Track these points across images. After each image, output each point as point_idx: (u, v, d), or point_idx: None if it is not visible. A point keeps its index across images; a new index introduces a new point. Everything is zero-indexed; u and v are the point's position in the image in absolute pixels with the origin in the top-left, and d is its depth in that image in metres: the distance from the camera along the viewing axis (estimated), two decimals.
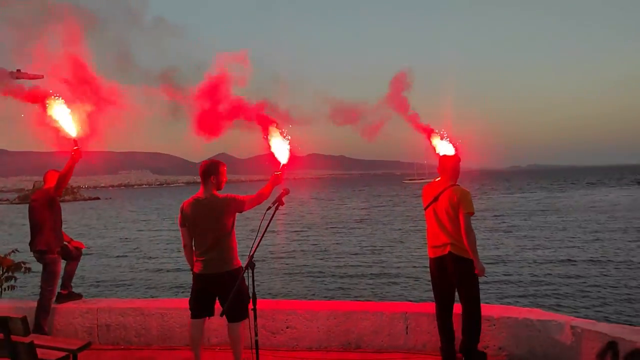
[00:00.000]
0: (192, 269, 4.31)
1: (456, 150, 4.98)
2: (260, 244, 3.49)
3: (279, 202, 3.62)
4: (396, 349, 4.85)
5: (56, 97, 5.08)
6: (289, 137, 4.52)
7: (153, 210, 78.45)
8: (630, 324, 4.53)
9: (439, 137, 5.22)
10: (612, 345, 3.92)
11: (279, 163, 4.50)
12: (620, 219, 36.89)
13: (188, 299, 4.76)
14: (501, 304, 4.90)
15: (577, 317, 4.68)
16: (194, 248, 4.26)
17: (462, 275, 4.34)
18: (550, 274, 19.27)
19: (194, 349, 4.30)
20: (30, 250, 5.50)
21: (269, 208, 3.56)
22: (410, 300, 13.81)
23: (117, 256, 28.86)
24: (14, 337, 3.59)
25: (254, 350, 3.40)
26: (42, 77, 8.52)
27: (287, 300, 5.56)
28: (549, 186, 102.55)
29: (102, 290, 19.99)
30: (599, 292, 16.60)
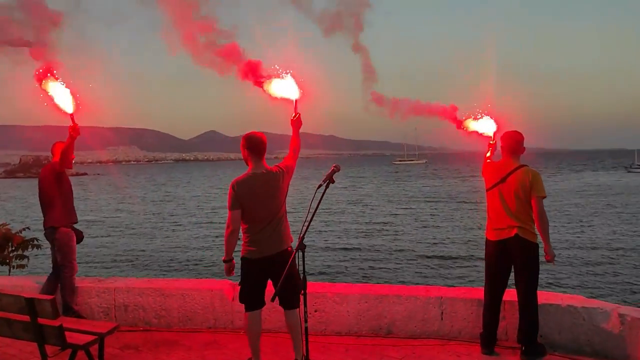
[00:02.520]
0: (227, 256, 3.90)
1: (499, 125, 4.74)
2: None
3: (329, 179, 3.37)
4: (430, 335, 4.68)
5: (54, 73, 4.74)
6: (289, 72, 4.23)
7: (151, 187, 77.95)
8: None
9: (473, 119, 4.90)
10: None
11: (291, 102, 4.25)
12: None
13: (211, 280, 4.51)
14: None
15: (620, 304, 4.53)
16: (245, 231, 3.90)
17: (528, 260, 4.16)
18: (575, 260, 19.27)
19: (255, 344, 3.94)
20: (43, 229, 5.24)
21: (320, 186, 3.31)
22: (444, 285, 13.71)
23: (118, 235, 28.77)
24: (40, 320, 3.35)
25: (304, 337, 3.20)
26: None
27: (317, 283, 5.32)
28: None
29: (113, 269, 19.81)
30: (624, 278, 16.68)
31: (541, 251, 4.22)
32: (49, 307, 3.27)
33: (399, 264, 19.54)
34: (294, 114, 4.23)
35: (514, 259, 4.21)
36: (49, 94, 4.73)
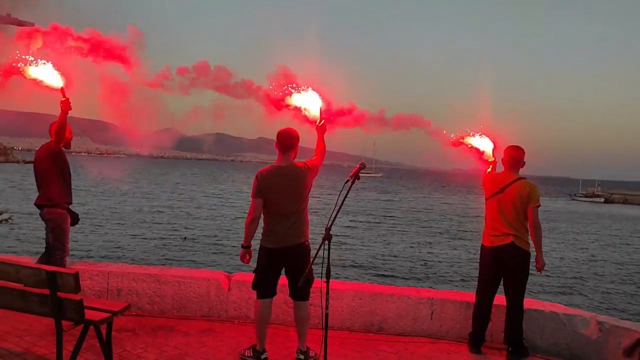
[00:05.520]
0: (246, 242, 4.05)
1: (495, 142, 5.02)
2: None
3: (355, 176, 3.55)
4: (419, 333, 4.90)
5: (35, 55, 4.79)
6: (307, 88, 4.48)
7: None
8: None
9: (471, 137, 5.13)
10: None
11: (315, 113, 4.47)
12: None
13: (207, 270, 4.56)
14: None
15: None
16: (265, 221, 4.06)
17: (520, 267, 4.44)
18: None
19: (262, 331, 4.09)
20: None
21: (347, 181, 3.49)
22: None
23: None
24: (60, 294, 3.36)
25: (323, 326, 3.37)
26: (33, 25, 7.97)
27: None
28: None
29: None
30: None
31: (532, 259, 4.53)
32: (72, 281, 3.29)
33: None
34: (319, 120, 4.42)
35: (506, 265, 4.49)
36: (34, 73, 4.74)
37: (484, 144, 5.05)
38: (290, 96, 4.55)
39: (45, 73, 4.77)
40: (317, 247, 3.37)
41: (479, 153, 5.08)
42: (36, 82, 4.81)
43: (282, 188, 3.97)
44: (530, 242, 4.49)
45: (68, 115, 4.92)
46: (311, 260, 3.56)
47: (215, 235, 27.50)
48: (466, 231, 34.17)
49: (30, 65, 4.76)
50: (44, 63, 4.75)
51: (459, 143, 5.18)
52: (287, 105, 4.61)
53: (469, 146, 5.12)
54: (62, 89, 4.77)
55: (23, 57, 4.72)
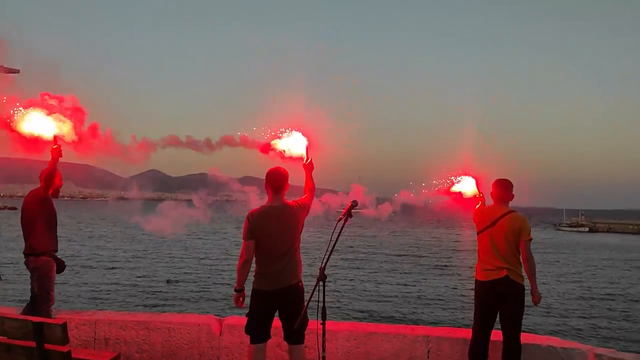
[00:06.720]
0: (239, 286, 3.99)
1: (478, 181, 5.08)
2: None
3: (348, 214, 3.54)
4: None
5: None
6: (289, 131, 4.55)
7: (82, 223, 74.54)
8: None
9: (457, 183, 5.23)
10: None
11: (302, 152, 4.51)
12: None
13: (196, 315, 4.48)
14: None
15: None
16: (258, 262, 3.99)
17: (516, 301, 4.40)
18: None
19: None
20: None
21: (340, 220, 3.48)
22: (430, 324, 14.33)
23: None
24: (47, 346, 3.25)
25: None
26: (19, 72, 7.96)
27: None
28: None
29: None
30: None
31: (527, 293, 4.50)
32: (59, 332, 3.18)
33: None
34: (306, 159, 4.45)
35: (501, 299, 4.46)
36: (24, 121, 4.67)
37: (465, 185, 5.11)
38: (276, 140, 4.62)
39: (38, 124, 4.71)
40: (312, 287, 3.32)
41: (459, 196, 5.15)
42: (29, 136, 4.73)
43: (274, 228, 3.93)
44: (524, 274, 4.48)
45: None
46: (306, 302, 3.48)
47: (201, 278, 27.08)
48: (457, 266, 34.19)
49: (22, 117, 4.69)
50: (37, 112, 4.68)
51: (446, 192, 5.26)
52: (274, 149, 4.66)
53: (454, 192, 5.20)
54: (55, 136, 4.72)
55: (14, 110, 4.64)
